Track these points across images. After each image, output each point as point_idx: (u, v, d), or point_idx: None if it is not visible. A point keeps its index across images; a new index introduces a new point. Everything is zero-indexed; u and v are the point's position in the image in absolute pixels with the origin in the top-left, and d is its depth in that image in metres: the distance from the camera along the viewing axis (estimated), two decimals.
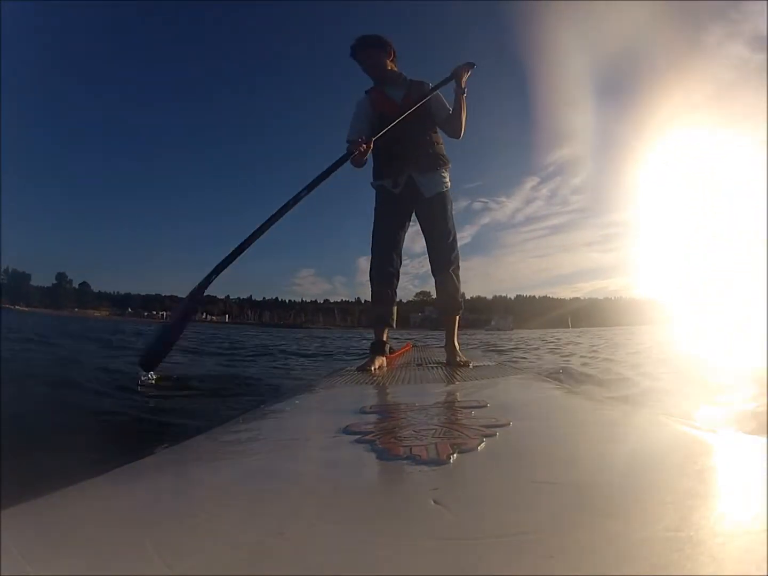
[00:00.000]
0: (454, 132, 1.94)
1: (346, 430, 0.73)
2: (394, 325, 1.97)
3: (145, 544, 0.36)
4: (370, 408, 0.93)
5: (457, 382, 1.41)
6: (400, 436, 0.67)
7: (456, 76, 1.84)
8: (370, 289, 1.96)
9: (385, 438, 0.66)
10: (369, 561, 0.32)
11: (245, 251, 1.73)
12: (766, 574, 0.28)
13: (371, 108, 1.93)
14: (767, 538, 0.32)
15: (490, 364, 2.07)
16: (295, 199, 1.76)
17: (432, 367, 1.89)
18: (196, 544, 0.36)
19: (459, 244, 1.97)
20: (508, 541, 0.35)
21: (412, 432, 0.69)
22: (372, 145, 1.77)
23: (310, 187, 1.79)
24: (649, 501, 0.41)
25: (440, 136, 1.97)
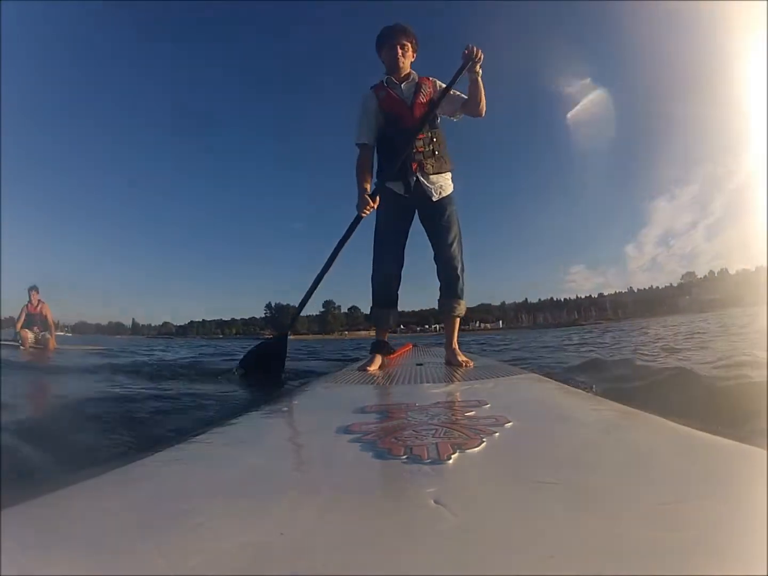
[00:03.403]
0: (477, 113, 1.92)
1: (347, 430, 0.73)
2: (394, 327, 1.98)
3: (145, 543, 0.36)
4: (371, 408, 0.93)
5: (457, 382, 1.41)
6: (400, 436, 0.66)
7: (468, 60, 1.78)
8: (370, 291, 1.96)
9: (385, 438, 0.66)
10: (369, 561, 0.32)
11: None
12: (766, 574, 0.28)
13: (378, 106, 1.90)
14: (767, 538, 0.32)
15: (490, 363, 2.07)
16: (324, 270, 2.07)
17: (432, 367, 1.89)
18: (196, 544, 0.36)
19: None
20: (508, 541, 0.35)
21: (413, 432, 0.69)
22: (378, 201, 1.85)
23: (332, 258, 2.04)
24: (648, 501, 0.41)
25: (444, 137, 1.96)
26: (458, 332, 1.97)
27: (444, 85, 1.92)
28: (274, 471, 0.60)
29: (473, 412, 0.82)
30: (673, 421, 0.73)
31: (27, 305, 6.28)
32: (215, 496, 0.49)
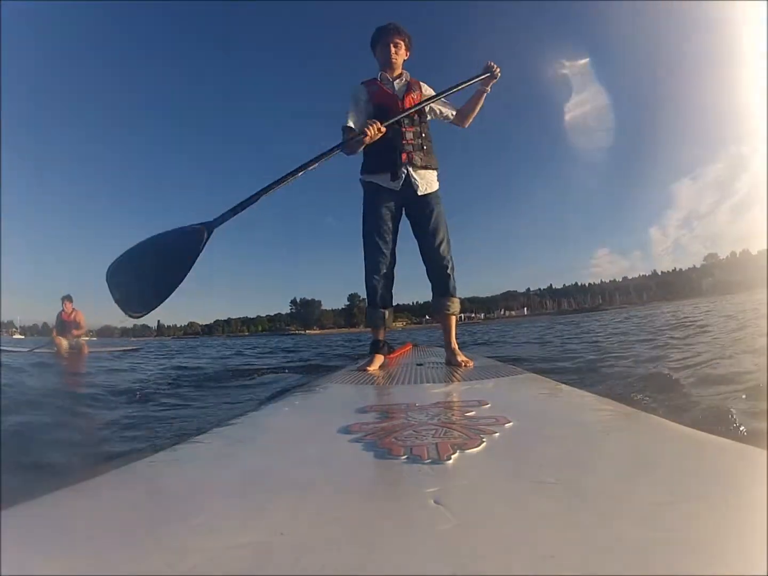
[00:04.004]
0: (463, 124, 2.00)
1: (347, 430, 0.73)
2: (389, 325, 1.97)
3: (145, 543, 0.36)
4: (371, 408, 0.93)
5: (457, 382, 1.41)
6: (400, 436, 0.66)
7: (489, 71, 1.86)
8: (365, 288, 1.95)
9: (385, 438, 0.66)
10: (369, 561, 0.32)
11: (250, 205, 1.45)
12: (766, 574, 0.29)
13: (369, 99, 1.91)
14: (767, 538, 0.32)
15: (490, 363, 2.07)
16: (294, 173, 1.52)
17: (432, 367, 1.88)
18: (196, 544, 0.36)
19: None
20: (508, 540, 0.35)
21: (413, 432, 0.69)
22: (384, 130, 1.69)
23: (314, 161, 1.58)
24: (648, 501, 0.41)
25: (431, 135, 1.97)
26: (456, 330, 1.97)
27: (431, 91, 1.96)
28: (274, 471, 0.60)
29: (473, 412, 0.82)
30: (673, 421, 0.73)
31: (61, 313, 6.66)
32: (215, 496, 0.49)
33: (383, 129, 1.70)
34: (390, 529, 0.38)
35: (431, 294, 1.97)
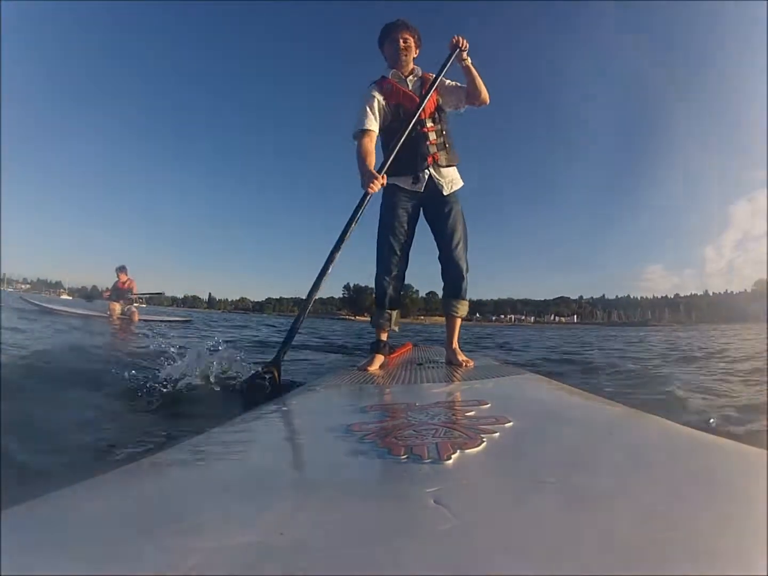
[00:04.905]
0: (480, 101, 1.90)
1: (347, 430, 0.73)
2: (396, 329, 1.97)
3: (145, 543, 0.36)
4: (371, 408, 0.93)
5: (457, 382, 1.41)
6: (400, 436, 0.66)
7: (454, 48, 1.82)
8: (374, 288, 1.95)
9: (385, 438, 0.66)
10: (369, 561, 0.32)
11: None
12: (766, 574, 0.28)
13: (384, 99, 1.87)
14: (767, 538, 0.32)
15: (490, 363, 2.07)
16: (330, 260, 1.75)
17: (432, 367, 1.88)
18: (196, 544, 0.36)
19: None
20: (508, 540, 0.35)
21: (413, 432, 0.69)
22: (385, 180, 1.73)
23: (340, 242, 1.77)
24: (648, 501, 0.41)
25: (450, 130, 1.94)
26: (459, 332, 1.97)
27: (450, 82, 1.93)
28: (274, 471, 0.60)
29: (473, 412, 0.82)
30: (673, 421, 0.73)
31: (116, 282, 7.43)
32: (215, 496, 0.49)
33: (384, 182, 1.73)
34: (390, 529, 0.38)
35: (442, 292, 1.97)
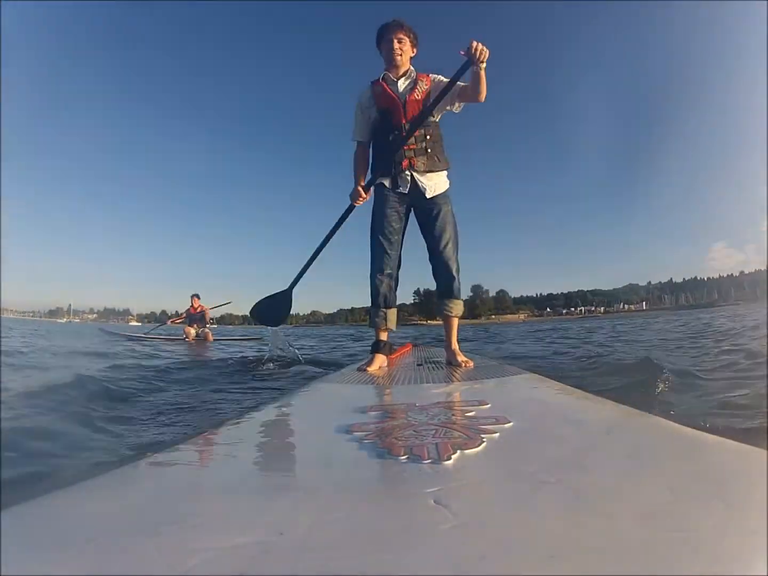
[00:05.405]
0: (477, 100, 1.84)
1: (347, 430, 0.73)
2: (393, 327, 1.97)
3: (145, 543, 0.36)
4: (371, 408, 0.93)
5: (457, 382, 1.41)
6: (400, 436, 0.67)
7: (471, 58, 1.67)
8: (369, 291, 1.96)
9: (385, 438, 0.66)
10: (369, 561, 0.32)
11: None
12: (766, 574, 0.29)
13: (374, 103, 1.90)
14: (767, 538, 0.32)
15: (490, 364, 2.07)
16: (312, 258, 2.04)
17: (432, 367, 1.88)
18: (196, 544, 0.36)
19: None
20: (508, 541, 0.35)
21: (413, 432, 0.69)
22: (369, 193, 1.91)
23: (321, 246, 2.02)
24: (648, 501, 0.41)
25: (441, 134, 1.94)
26: (458, 331, 1.97)
27: (444, 79, 1.87)
28: (275, 470, 0.60)
29: (473, 413, 0.82)
30: (673, 421, 0.73)
31: (190, 308, 8.29)
32: (215, 496, 0.49)
33: (367, 196, 1.92)
34: (390, 529, 0.38)
35: (436, 294, 1.98)
